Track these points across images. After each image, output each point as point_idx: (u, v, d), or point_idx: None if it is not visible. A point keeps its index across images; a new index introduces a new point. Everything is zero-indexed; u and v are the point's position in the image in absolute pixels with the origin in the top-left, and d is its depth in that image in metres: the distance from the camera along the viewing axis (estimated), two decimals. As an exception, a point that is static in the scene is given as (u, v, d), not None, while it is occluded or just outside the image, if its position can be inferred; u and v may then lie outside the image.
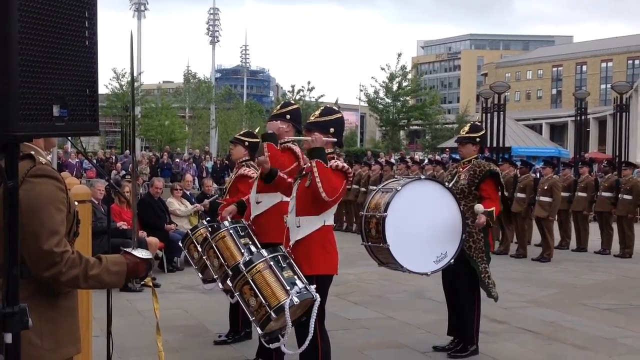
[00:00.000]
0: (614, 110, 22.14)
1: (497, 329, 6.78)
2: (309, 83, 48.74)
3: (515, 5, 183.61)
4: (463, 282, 5.72)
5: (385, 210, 4.98)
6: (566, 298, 8.55)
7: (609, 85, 41.19)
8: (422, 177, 5.99)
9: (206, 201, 11.15)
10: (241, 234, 5.32)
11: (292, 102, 6.08)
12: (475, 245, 5.65)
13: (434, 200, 5.32)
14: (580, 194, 13.29)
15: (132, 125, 30.46)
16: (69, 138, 3.72)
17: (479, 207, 5.52)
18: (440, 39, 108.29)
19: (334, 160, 4.29)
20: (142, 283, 8.25)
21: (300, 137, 4.65)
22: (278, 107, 5.58)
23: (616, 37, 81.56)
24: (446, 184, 5.66)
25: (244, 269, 3.99)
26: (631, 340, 6.42)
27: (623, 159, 18.90)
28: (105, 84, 41.28)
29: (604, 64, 76.77)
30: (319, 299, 3.96)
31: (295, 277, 4.00)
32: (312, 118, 4.50)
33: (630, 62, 74.56)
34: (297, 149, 5.19)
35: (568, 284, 9.61)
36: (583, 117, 26.38)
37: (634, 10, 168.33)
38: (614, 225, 13.08)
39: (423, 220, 5.21)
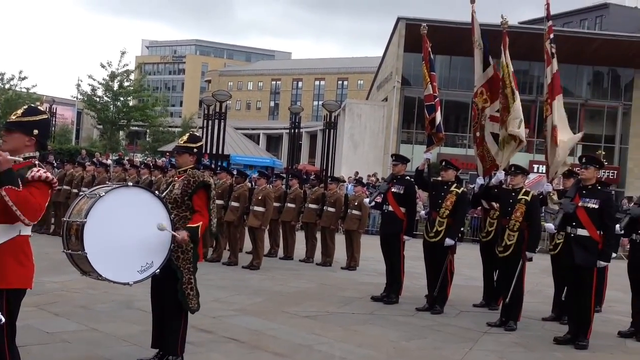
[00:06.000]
0: (324, 126, 23.78)
1: (203, 339, 6.81)
2: (20, 72, 45.07)
3: (236, 12, 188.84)
4: (170, 292, 5.64)
5: (86, 216, 4.77)
6: (271, 306, 8.91)
7: (320, 102, 44.35)
8: (130, 184, 5.83)
9: None
10: None
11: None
12: (183, 256, 5.60)
13: (142, 209, 5.18)
14: (289, 204, 14.07)
15: None
16: None
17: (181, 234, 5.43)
18: (166, 41, 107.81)
19: (35, 169, 3.89)
20: None
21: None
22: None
23: (329, 57, 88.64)
24: (157, 192, 5.56)
25: None
26: (325, 347, 6.86)
27: (329, 174, 20.38)
28: None
29: (317, 82, 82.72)
30: (3, 320, 3.58)
31: None
32: (14, 117, 4.06)
33: (340, 82, 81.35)
34: None
35: (274, 292, 10.04)
36: (296, 131, 27.96)
37: (344, 31, 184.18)
38: (318, 235, 14.04)
39: (129, 229, 5.06)
